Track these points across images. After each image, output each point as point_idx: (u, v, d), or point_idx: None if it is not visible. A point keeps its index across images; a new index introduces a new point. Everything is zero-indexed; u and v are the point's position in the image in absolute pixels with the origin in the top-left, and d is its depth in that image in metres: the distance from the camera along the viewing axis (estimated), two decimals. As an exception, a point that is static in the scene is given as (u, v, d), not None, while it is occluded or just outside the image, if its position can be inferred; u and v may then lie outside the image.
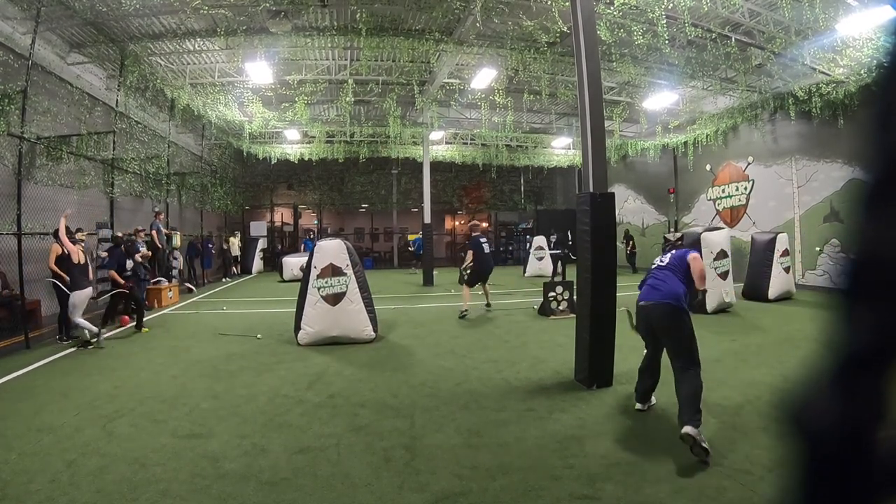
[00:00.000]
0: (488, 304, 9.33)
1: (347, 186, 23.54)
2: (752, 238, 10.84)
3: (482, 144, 18.19)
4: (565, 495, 2.78)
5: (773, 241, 9.94)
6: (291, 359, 5.87)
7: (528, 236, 20.69)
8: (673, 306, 3.54)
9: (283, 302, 10.15)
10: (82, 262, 6.75)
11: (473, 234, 9.01)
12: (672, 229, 16.88)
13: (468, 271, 9.01)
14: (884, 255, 0.51)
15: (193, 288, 13.13)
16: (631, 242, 17.39)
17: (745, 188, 14.05)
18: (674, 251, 4.03)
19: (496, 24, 9.41)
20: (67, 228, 6.74)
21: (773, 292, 9.78)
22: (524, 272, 16.44)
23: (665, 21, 8.61)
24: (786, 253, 10.05)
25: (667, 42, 8.95)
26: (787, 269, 10.04)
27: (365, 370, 5.36)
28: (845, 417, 0.52)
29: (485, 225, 9.69)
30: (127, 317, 8.34)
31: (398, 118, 14.03)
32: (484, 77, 11.25)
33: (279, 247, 22.61)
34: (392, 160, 19.91)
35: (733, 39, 9.82)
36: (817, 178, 11.72)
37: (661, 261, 3.98)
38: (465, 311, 8.50)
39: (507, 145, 18.17)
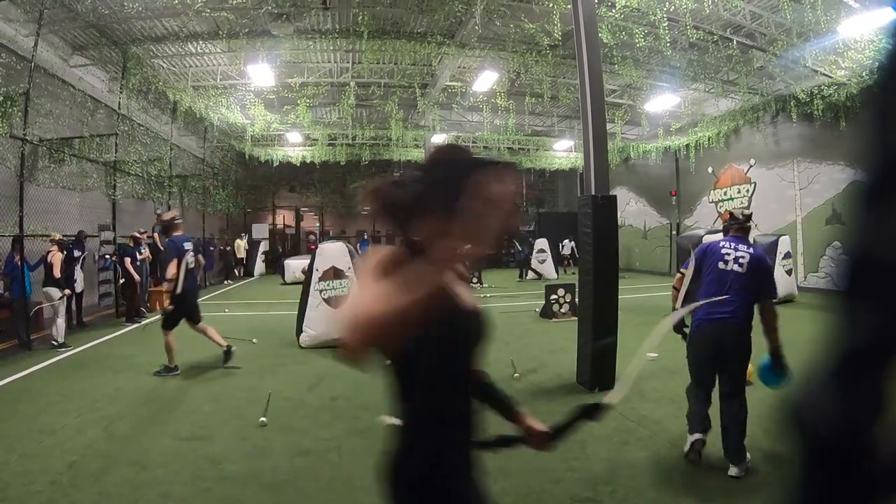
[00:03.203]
0: (227, 351, 5.52)
1: (349, 189, 23.56)
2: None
3: (484, 147, 18.20)
4: (567, 498, 2.77)
5: (774, 244, 9.91)
6: (293, 361, 5.86)
7: (529, 238, 20.64)
8: (744, 326, 3.02)
9: (284, 304, 10.15)
10: None
11: (174, 234, 5.27)
12: (674, 232, 16.86)
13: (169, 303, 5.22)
14: (882, 255, 0.51)
15: (195, 290, 13.11)
16: None
17: (747, 190, 14.03)
18: (751, 248, 3.18)
19: (498, 26, 9.43)
20: None
21: (774, 295, 9.75)
22: (526, 275, 16.42)
23: (666, 24, 8.62)
24: (788, 255, 10.03)
25: (668, 44, 8.96)
26: (788, 272, 10.01)
27: (366, 373, 5.34)
28: (845, 417, 0.52)
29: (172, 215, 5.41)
30: None
31: (400, 121, 14.06)
32: (485, 80, 11.27)
33: (280, 249, 22.61)
34: (394, 163, 19.92)
35: (735, 42, 9.82)
36: (819, 180, 11.70)
37: (738, 261, 3.07)
38: (172, 366, 5.31)
39: (508, 148, 18.19)
